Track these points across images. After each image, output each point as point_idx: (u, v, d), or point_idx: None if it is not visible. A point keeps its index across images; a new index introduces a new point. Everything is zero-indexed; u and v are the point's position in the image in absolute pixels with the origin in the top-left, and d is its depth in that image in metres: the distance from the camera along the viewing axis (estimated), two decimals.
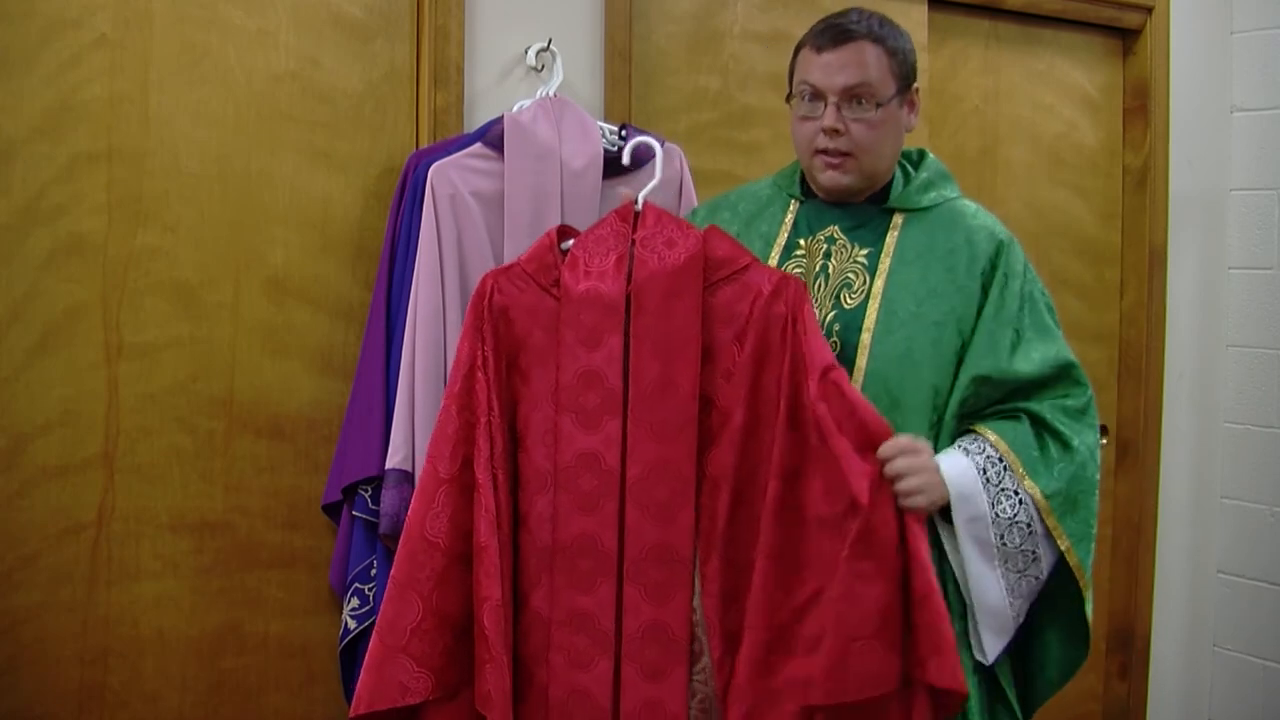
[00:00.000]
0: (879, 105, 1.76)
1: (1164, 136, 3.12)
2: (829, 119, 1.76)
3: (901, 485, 1.62)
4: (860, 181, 1.82)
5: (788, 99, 1.84)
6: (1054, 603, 1.81)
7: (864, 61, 1.76)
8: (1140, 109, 3.12)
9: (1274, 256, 3.15)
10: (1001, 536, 1.72)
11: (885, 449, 1.63)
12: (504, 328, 1.76)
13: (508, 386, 1.76)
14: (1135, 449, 3.10)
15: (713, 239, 1.74)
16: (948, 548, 1.75)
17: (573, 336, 1.73)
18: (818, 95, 1.78)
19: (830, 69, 1.76)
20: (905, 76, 1.80)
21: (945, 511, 1.71)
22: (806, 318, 1.69)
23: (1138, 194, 3.13)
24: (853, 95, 1.76)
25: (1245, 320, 3.21)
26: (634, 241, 1.74)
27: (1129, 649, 3.17)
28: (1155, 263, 3.13)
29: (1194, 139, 3.17)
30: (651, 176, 1.84)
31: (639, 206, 1.76)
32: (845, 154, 1.78)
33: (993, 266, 1.80)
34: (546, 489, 1.74)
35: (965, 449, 1.74)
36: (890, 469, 1.62)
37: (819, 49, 1.78)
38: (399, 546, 1.73)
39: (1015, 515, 1.72)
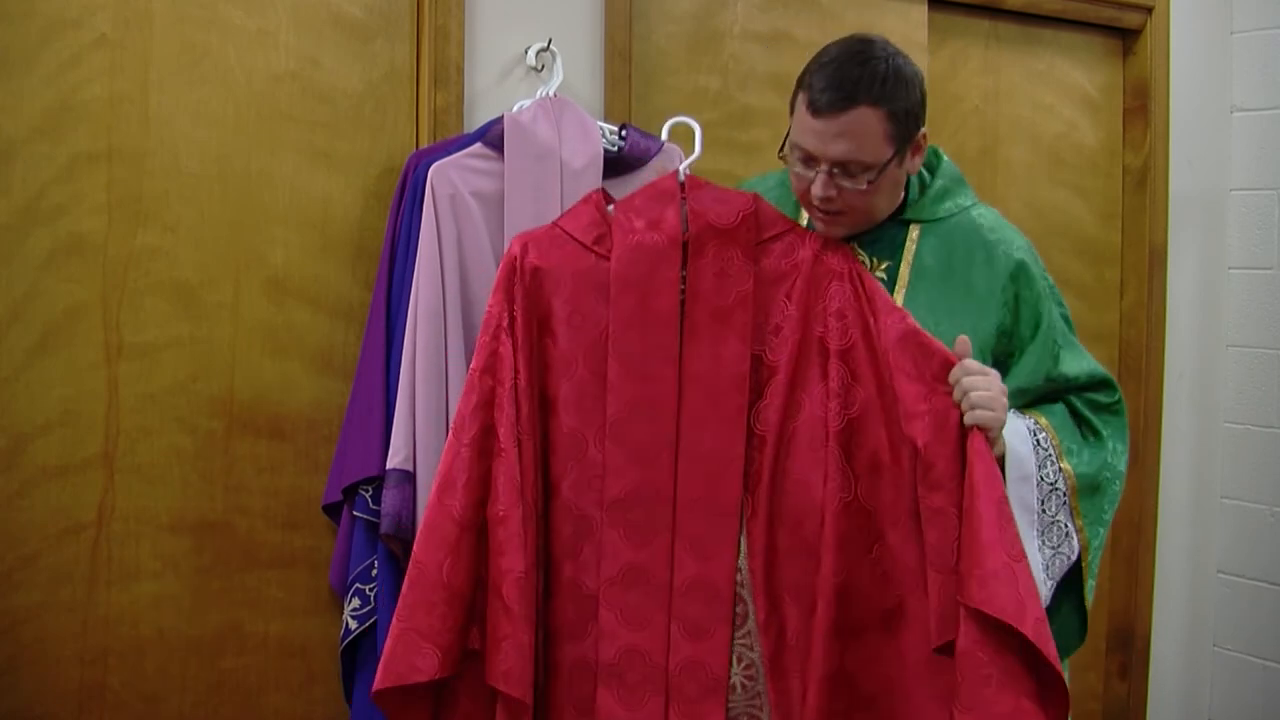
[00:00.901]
0: (871, 180, 1.69)
1: (1164, 136, 3.12)
2: (819, 188, 1.70)
3: (971, 397, 1.62)
4: (857, 231, 1.81)
5: (780, 153, 1.78)
6: (1061, 587, 1.82)
7: (860, 133, 1.66)
8: (1140, 109, 3.12)
9: (1274, 256, 3.15)
10: (1043, 502, 1.74)
11: (957, 369, 1.64)
12: (535, 289, 1.73)
13: (538, 349, 1.74)
14: (1135, 449, 3.09)
15: (758, 201, 1.76)
16: None
17: (626, 283, 1.71)
18: (810, 160, 1.70)
19: (824, 137, 1.67)
20: (906, 137, 1.71)
21: None
22: (863, 271, 1.72)
23: (1138, 194, 3.13)
24: (845, 166, 1.69)
25: (1245, 320, 3.21)
26: (684, 200, 1.74)
27: (1129, 649, 3.17)
28: (1155, 263, 3.13)
29: (1194, 139, 3.17)
30: (654, 175, 1.85)
31: (682, 178, 1.75)
32: (838, 212, 1.75)
33: (1015, 283, 1.80)
34: (580, 454, 1.71)
35: (1014, 415, 1.76)
36: (966, 381, 1.62)
37: (815, 110, 1.67)
38: (423, 518, 1.71)
39: (1055, 482, 1.75)
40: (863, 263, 1.83)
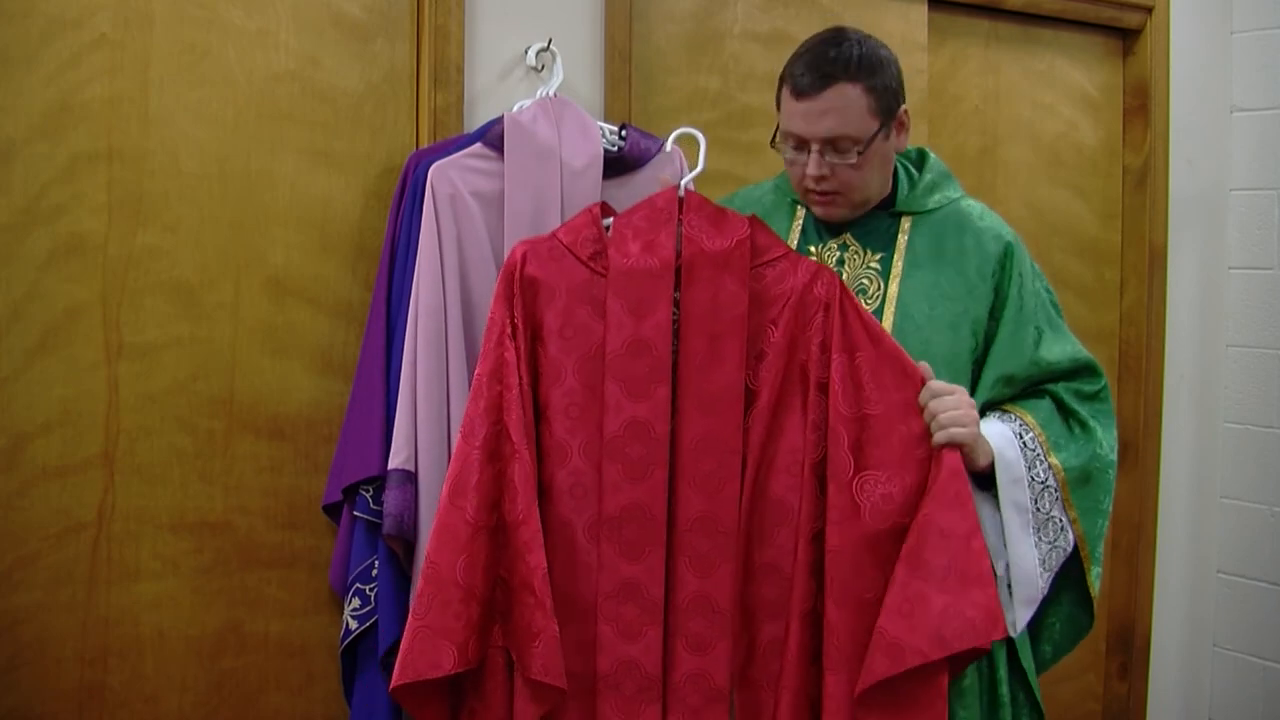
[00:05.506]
0: (860, 151, 1.77)
1: (1164, 136, 3.12)
2: (813, 167, 1.78)
3: (940, 418, 1.66)
4: (854, 211, 1.86)
5: (773, 144, 1.85)
6: (1063, 574, 1.85)
7: (843, 108, 1.74)
8: (1140, 109, 3.12)
9: (1274, 256, 3.16)
10: (1035, 501, 1.78)
11: (924, 392, 1.69)
12: (530, 299, 1.77)
13: (532, 357, 1.78)
14: (1135, 449, 3.10)
15: (755, 226, 1.78)
16: (981, 516, 1.78)
17: (621, 306, 1.75)
18: (801, 143, 1.79)
19: (810, 118, 1.76)
20: (888, 109, 1.79)
21: (979, 481, 1.77)
22: (857, 303, 1.74)
23: (1138, 194, 3.14)
24: (833, 142, 1.76)
25: (1245, 320, 3.21)
26: (680, 222, 1.77)
27: (1129, 649, 3.17)
28: (1155, 263, 3.13)
29: (1194, 139, 3.17)
30: (653, 176, 1.85)
31: (682, 193, 1.78)
32: (834, 192, 1.82)
33: (1003, 268, 1.85)
34: (564, 462, 1.75)
35: (1000, 418, 1.81)
36: (934, 404, 1.67)
37: (798, 94, 1.76)
38: (434, 520, 1.73)
39: (1046, 480, 1.79)
40: (857, 254, 1.87)
